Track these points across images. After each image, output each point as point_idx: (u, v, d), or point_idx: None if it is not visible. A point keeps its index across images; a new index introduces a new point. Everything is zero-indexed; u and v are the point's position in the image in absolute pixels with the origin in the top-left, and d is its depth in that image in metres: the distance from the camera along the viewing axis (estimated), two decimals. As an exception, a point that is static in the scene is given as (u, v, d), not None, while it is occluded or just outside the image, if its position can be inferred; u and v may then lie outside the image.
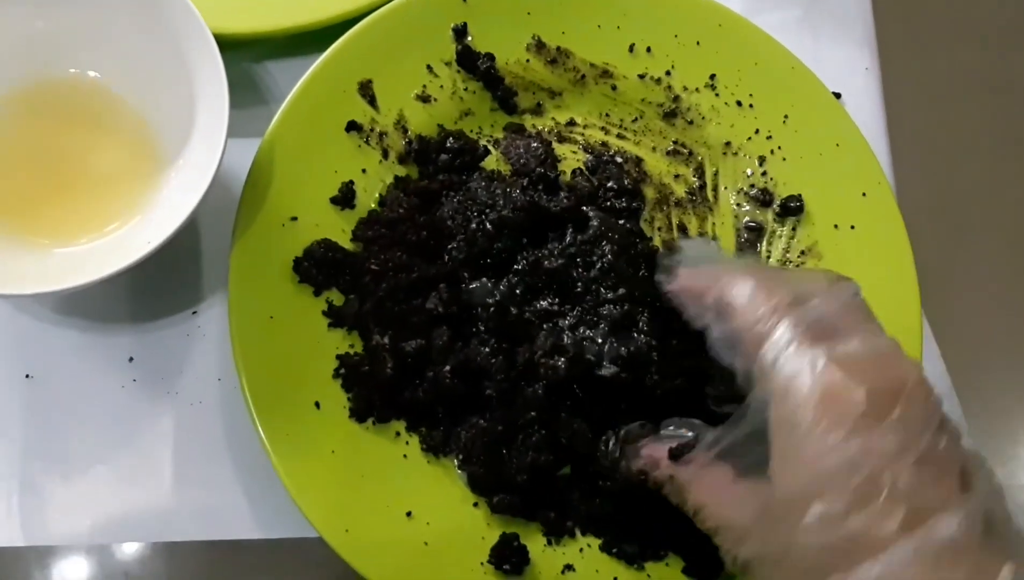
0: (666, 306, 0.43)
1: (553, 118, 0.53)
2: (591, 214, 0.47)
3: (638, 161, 0.53)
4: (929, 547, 0.31)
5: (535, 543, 0.46)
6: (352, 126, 0.49)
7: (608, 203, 0.51)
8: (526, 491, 0.46)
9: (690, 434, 0.42)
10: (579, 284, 0.46)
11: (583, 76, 0.53)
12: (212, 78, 0.44)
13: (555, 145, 0.52)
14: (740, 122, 0.53)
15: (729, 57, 0.53)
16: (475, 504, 0.46)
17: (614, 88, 0.53)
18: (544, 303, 0.46)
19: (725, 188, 0.53)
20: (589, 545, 0.47)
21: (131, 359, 0.48)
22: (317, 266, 0.47)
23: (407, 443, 0.47)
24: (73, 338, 0.48)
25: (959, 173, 1.32)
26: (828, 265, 0.51)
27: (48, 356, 0.48)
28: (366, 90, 0.50)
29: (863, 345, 0.35)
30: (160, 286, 0.49)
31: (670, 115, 0.54)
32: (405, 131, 0.51)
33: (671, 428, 0.44)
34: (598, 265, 0.46)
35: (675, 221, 0.52)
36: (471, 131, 0.52)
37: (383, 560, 0.44)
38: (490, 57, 0.52)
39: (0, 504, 0.46)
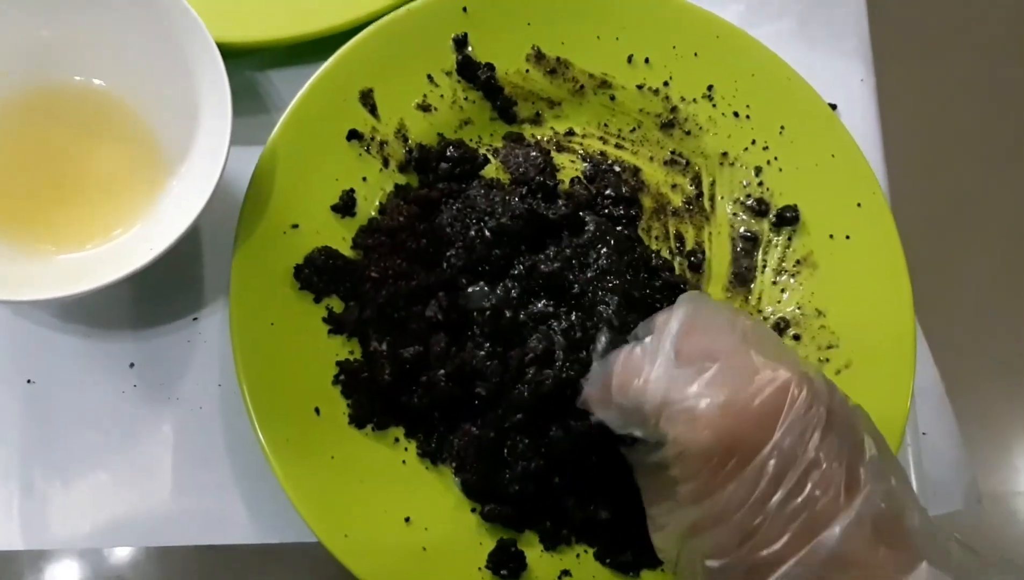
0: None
1: (552, 128, 0.54)
2: (587, 218, 0.48)
3: (636, 170, 0.53)
4: (815, 562, 0.33)
5: (532, 549, 0.47)
6: (353, 135, 0.50)
7: (606, 211, 0.51)
8: (520, 499, 0.46)
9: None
10: (575, 286, 0.46)
11: (582, 86, 0.54)
12: (215, 87, 0.44)
13: (554, 154, 0.53)
14: (737, 133, 0.54)
15: (726, 68, 0.54)
16: (473, 510, 0.47)
17: (612, 98, 0.54)
18: (539, 306, 0.46)
19: (722, 198, 0.54)
20: (586, 551, 0.47)
21: (132, 365, 0.49)
22: (318, 273, 0.47)
23: (405, 449, 0.47)
24: (74, 343, 0.48)
25: (953, 183, 1.33)
26: (823, 275, 0.52)
27: (49, 361, 0.48)
28: (367, 99, 0.50)
29: (733, 368, 0.36)
30: (162, 292, 0.49)
31: (668, 125, 0.54)
32: (405, 140, 0.51)
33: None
34: (594, 266, 0.47)
35: (672, 230, 0.53)
36: (471, 140, 0.52)
37: (382, 565, 0.44)
38: (490, 67, 0.52)
39: (0, 508, 0.46)
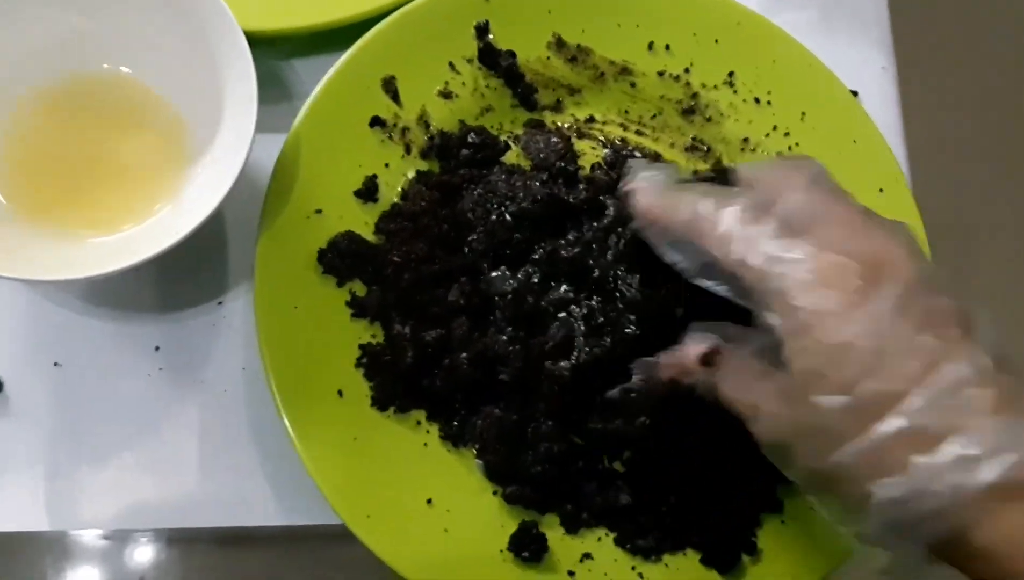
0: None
1: (573, 115, 0.54)
2: (608, 202, 0.48)
3: (656, 157, 0.54)
4: (942, 390, 0.33)
5: (554, 531, 0.47)
6: (376, 121, 0.50)
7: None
8: (542, 482, 0.46)
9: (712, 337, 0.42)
10: (596, 270, 0.46)
11: (602, 73, 0.54)
12: (241, 75, 0.44)
13: (574, 141, 0.53)
14: (758, 119, 0.54)
15: (747, 55, 0.54)
16: (494, 493, 0.47)
17: (633, 85, 0.54)
18: (560, 291, 0.47)
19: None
20: (607, 534, 0.47)
21: (157, 348, 0.49)
22: (341, 257, 0.48)
23: (428, 432, 0.47)
24: (101, 327, 0.49)
25: (975, 172, 1.33)
26: None
27: (76, 345, 0.49)
28: (389, 86, 0.51)
29: (840, 226, 0.37)
30: (187, 277, 0.50)
31: (688, 112, 0.54)
32: (427, 126, 0.51)
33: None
34: (614, 249, 0.47)
35: (693, 217, 0.53)
36: (492, 127, 0.53)
37: (404, 546, 0.45)
38: (511, 55, 0.53)
39: (27, 489, 0.47)
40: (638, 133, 0.54)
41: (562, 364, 0.45)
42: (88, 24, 0.46)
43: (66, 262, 0.43)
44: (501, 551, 0.46)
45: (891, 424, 0.33)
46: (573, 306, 0.46)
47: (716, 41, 0.54)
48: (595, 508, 0.47)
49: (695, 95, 0.54)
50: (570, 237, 0.47)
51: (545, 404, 0.46)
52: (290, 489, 0.48)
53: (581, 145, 0.53)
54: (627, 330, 0.45)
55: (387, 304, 0.48)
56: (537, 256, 0.47)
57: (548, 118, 0.54)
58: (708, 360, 0.41)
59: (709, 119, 0.54)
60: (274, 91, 0.53)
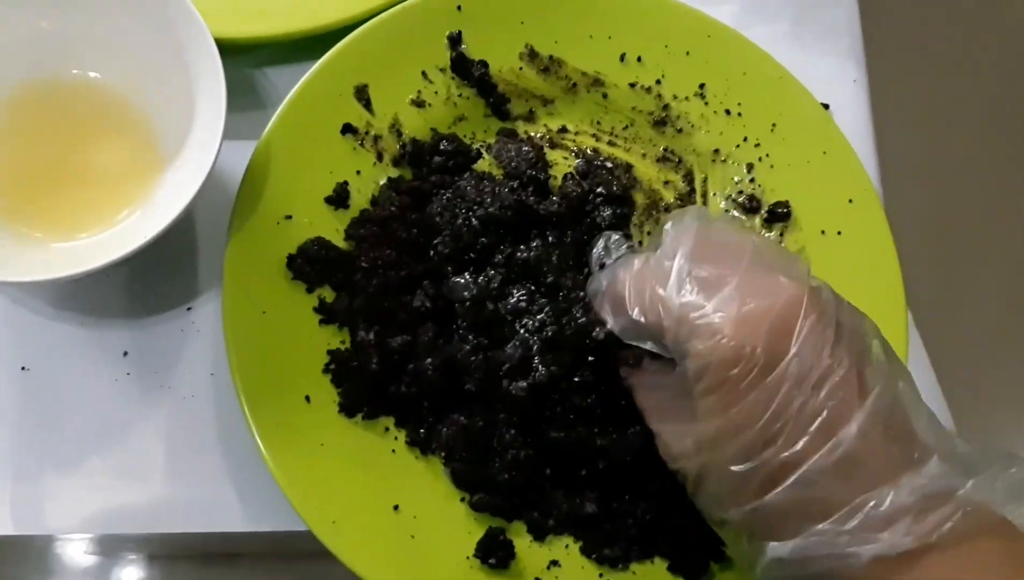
0: None
1: (545, 125, 0.54)
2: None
3: (628, 167, 0.54)
4: (833, 459, 0.34)
5: (521, 539, 0.47)
6: (347, 129, 0.51)
7: (597, 209, 0.51)
8: (509, 489, 0.46)
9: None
10: (550, 276, 0.47)
11: (575, 84, 0.54)
12: (211, 78, 0.45)
13: (547, 151, 0.53)
14: (729, 130, 0.54)
15: (718, 67, 0.54)
16: (462, 499, 0.47)
17: (605, 96, 0.55)
18: (517, 297, 0.47)
19: (714, 194, 0.54)
20: (575, 541, 0.47)
21: (125, 353, 0.49)
22: (310, 263, 0.48)
23: (395, 438, 0.47)
24: (69, 332, 0.49)
25: (945, 181, 1.34)
26: (815, 271, 0.50)
27: (44, 349, 0.49)
28: (362, 94, 0.51)
29: (749, 281, 0.38)
30: (156, 282, 0.50)
31: (660, 123, 0.55)
32: (399, 134, 0.52)
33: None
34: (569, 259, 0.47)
35: (664, 226, 0.53)
36: (465, 136, 0.53)
37: (370, 552, 0.45)
38: (484, 64, 0.53)
39: (-7, 494, 0.47)
40: (610, 144, 0.55)
41: (520, 384, 0.45)
42: (56, 28, 0.46)
43: (33, 265, 0.43)
44: (468, 557, 0.46)
45: (785, 494, 0.35)
46: (527, 319, 0.46)
47: (687, 53, 0.55)
48: (561, 516, 0.47)
49: (666, 106, 0.54)
50: (533, 244, 0.48)
51: (507, 416, 0.46)
52: (257, 495, 0.47)
53: (553, 155, 0.54)
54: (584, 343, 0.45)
55: (354, 309, 0.48)
56: (496, 259, 0.47)
57: (521, 128, 0.54)
58: (634, 363, 0.44)
59: (680, 130, 0.54)
60: (247, 99, 0.54)
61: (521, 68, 0.54)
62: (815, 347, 0.36)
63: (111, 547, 1.08)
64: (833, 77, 0.58)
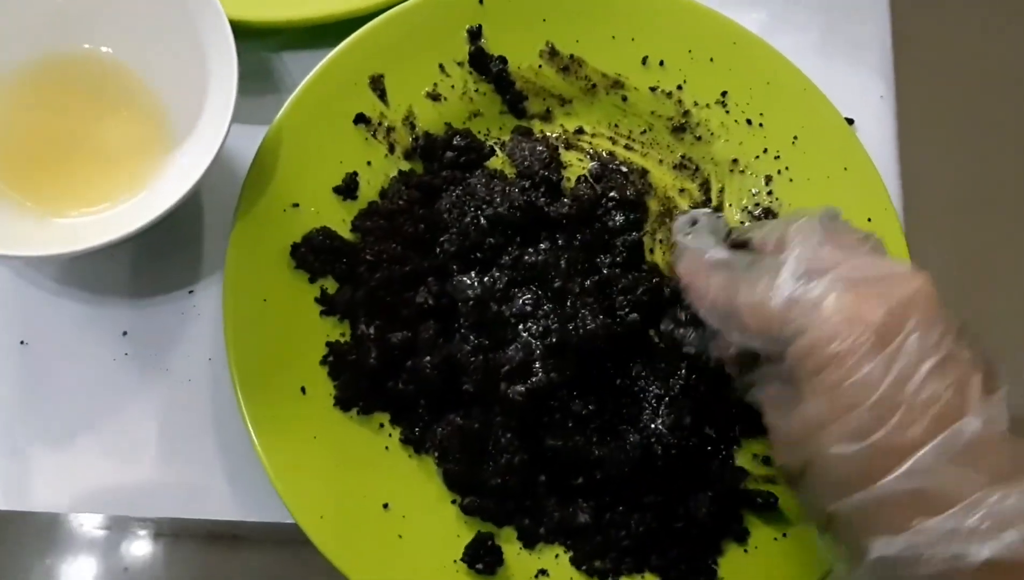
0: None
1: (562, 125, 0.53)
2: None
3: (644, 173, 0.53)
4: (953, 448, 0.32)
5: (511, 545, 0.46)
6: (360, 119, 0.50)
7: (608, 214, 0.50)
8: (501, 494, 0.46)
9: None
10: (557, 281, 0.46)
11: (594, 85, 0.53)
12: (224, 63, 0.44)
13: (562, 152, 0.53)
14: (749, 140, 0.53)
15: (742, 75, 0.53)
16: (453, 502, 0.46)
17: (625, 99, 0.54)
18: (523, 300, 0.46)
19: (730, 205, 0.53)
20: (566, 551, 0.46)
21: (125, 333, 0.49)
22: (314, 253, 0.47)
23: (390, 435, 0.47)
24: (70, 308, 0.49)
25: (970, 206, 1.31)
26: None
27: (44, 324, 0.48)
28: (377, 84, 0.50)
29: (866, 266, 0.36)
30: (160, 264, 0.50)
31: (679, 129, 0.53)
32: (413, 127, 0.51)
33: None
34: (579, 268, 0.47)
35: (677, 235, 0.52)
36: (479, 132, 0.52)
37: (355, 549, 0.44)
38: (502, 60, 0.52)
39: (-15, 467, 0.47)
40: (627, 148, 0.54)
41: (518, 387, 0.44)
42: (69, 3, 0.46)
43: (35, 240, 0.43)
44: (455, 561, 0.45)
45: (897, 482, 0.32)
46: (531, 323, 0.46)
47: (711, 60, 0.53)
48: (553, 524, 0.46)
49: (687, 113, 0.53)
50: (541, 246, 0.47)
51: (504, 419, 0.45)
52: (246, 484, 0.47)
53: (568, 156, 0.53)
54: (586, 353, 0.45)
55: (356, 302, 0.47)
56: (503, 261, 0.47)
57: (537, 127, 0.53)
58: (746, 359, 0.41)
59: (699, 138, 0.53)
60: (263, 83, 0.53)
61: (540, 66, 0.53)
62: (936, 330, 0.33)
63: (121, 523, 1.09)
64: (860, 92, 0.57)
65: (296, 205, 0.48)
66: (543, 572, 0.46)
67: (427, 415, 0.47)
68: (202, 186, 0.50)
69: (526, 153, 0.51)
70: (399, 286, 0.47)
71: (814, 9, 0.59)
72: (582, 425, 0.45)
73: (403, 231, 0.48)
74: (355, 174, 0.49)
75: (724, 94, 0.53)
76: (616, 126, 0.54)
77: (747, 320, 0.38)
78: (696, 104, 0.53)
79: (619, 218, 0.50)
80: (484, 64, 0.52)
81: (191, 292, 0.50)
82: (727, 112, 0.53)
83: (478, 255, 0.47)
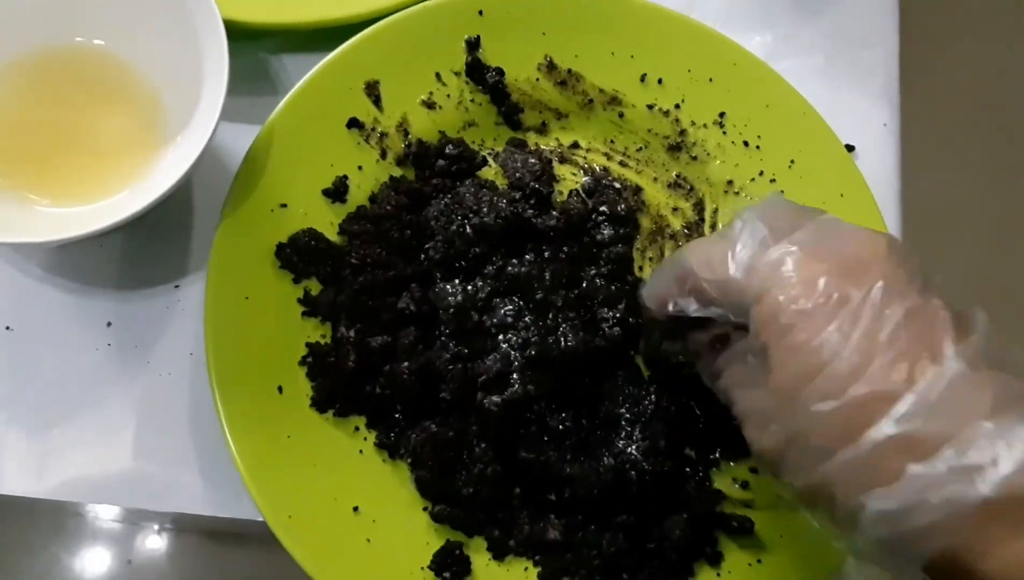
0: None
1: (557, 139, 0.53)
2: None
3: (637, 190, 0.53)
4: (935, 391, 0.31)
5: (480, 556, 0.45)
6: (353, 123, 0.50)
7: (597, 228, 0.50)
8: (473, 503, 0.45)
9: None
10: (539, 293, 0.46)
11: (591, 100, 0.53)
12: (217, 61, 0.44)
13: (556, 165, 0.52)
14: (745, 162, 0.53)
15: (740, 96, 0.53)
16: (424, 509, 0.46)
17: (621, 116, 0.53)
18: (504, 311, 0.46)
19: (723, 226, 0.52)
20: (535, 566, 0.46)
21: (109, 324, 0.49)
22: (299, 254, 0.47)
23: (364, 439, 0.47)
24: (56, 296, 0.49)
25: (970, 238, 1.29)
26: None
27: (29, 310, 0.49)
28: (372, 90, 0.51)
29: (825, 228, 0.36)
30: (147, 257, 0.50)
31: (675, 148, 0.53)
32: (406, 134, 0.51)
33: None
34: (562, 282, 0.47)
35: (668, 253, 0.52)
36: (473, 142, 0.52)
37: (322, 551, 0.44)
38: (500, 72, 0.52)
39: (-37, 450, 0.47)
40: (622, 164, 0.53)
41: (494, 398, 0.44)
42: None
43: (21, 227, 0.44)
44: (422, 568, 0.45)
45: (882, 430, 0.31)
46: (512, 334, 0.45)
47: (710, 80, 0.53)
48: (523, 538, 0.45)
49: (683, 132, 0.53)
50: (526, 258, 0.47)
51: (479, 429, 0.45)
52: (220, 480, 0.47)
53: (562, 170, 0.53)
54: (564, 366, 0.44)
55: (338, 305, 0.47)
56: (487, 270, 0.47)
57: (532, 139, 0.53)
58: (716, 343, 0.40)
59: (695, 157, 0.53)
60: (260, 84, 0.53)
61: (538, 79, 0.53)
62: (901, 280, 0.33)
63: (130, 517, 1.10)
64: (863, 119, 0.56)
65: (284, 205, 0.48)
66: (511, 585, 0.45)
67: (403, 421, 0.47)
68: (193, 182, 0.51)
69: (518, 164, 0.51)
70: (382, 291, 0.47)
71: (822, 33, 0.59)
72: (557, 440, 0.45)
73: (389, 236, 0.48)
74: (345, 178, 0.49)
75: (722, 115, 0.53)
76: (612, 142, 0.54)
77: (706, 286, 0.37)
78: (693, 123, 0.53)
79: (608, 232, 0.50)
80: (481, 74, 0.52)
81: (177, 286, 0.50)
82: (724, 133, 0.53)
83: (463, 264, 0.47)
